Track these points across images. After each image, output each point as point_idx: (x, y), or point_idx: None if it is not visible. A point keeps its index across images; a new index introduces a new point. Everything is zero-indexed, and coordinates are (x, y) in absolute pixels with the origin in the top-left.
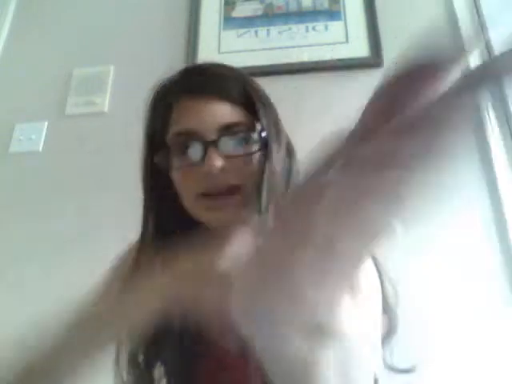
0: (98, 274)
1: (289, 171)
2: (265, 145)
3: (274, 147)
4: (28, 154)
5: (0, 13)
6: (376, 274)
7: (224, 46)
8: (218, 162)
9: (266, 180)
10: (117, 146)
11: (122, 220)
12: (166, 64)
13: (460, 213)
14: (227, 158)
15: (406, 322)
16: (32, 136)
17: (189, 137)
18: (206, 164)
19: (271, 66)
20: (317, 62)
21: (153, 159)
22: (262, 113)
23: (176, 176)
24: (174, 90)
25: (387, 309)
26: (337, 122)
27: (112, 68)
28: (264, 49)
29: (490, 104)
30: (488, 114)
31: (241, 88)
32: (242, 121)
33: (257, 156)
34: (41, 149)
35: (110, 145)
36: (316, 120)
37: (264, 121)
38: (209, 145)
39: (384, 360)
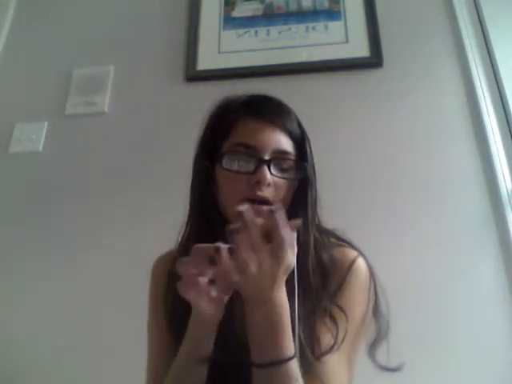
0: (97, 272)
1: (315, 207)
2: (304, 175)
3: (314, 179)
4: (28, 154)
5: (0, 13)
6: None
7: (224, 46)
8: (269, 178)
9: (309, 204)
10: (117, 146)
11: (122, 219)
12: (166, 64)
13: (456, 211)
14: (272, 176)
15: (395, 322)
16: (32, 136)
17: (247, 150)
18: (257, 176)
19: (271, 66)
20: (317, 62)
21: (206, 160)
22: (308, 151)
23: (225, 177)
24: (240, 110)
25: (379, 317)
26: (336, 122)
27: (112, 68)
28: (264, 49)
29: (489, 103)
30: (488, 114)
31: (296, 125)
32: (291, 151)
33: (292, 182)
34: (41, 149)
35: (109, 145)
36: (316, 120)
37: (309, 156)
38: (263, 162)
39: (374, 360)
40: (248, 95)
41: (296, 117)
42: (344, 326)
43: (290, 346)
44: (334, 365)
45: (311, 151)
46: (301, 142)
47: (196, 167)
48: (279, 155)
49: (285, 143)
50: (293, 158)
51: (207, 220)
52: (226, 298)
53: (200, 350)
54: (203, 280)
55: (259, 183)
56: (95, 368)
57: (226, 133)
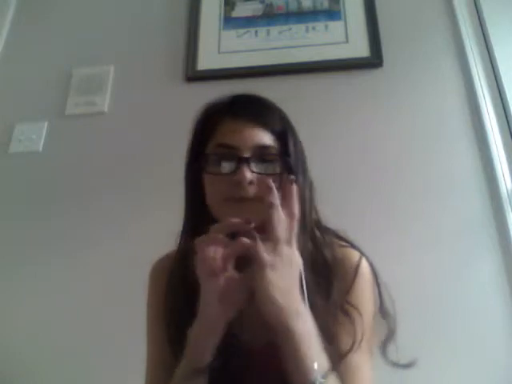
0: (97, 273)
1: (310, 200)
2: (288, 170)
3: (304, 173)
4: (28, 154)
5: (0, 13)
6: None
7: (224, 46)
8: (249, 176)
9: (298, 199)
10: (117, 146)
11: (122, 219)
12: (166, 64)
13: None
14: (255, 173)
15: (405, 318)
16: (32, 136)
17: (227, 150)
18: (237, 176)
19: (271, 66)
20: (317, 62)
21: (194, 163)
22: (291, 142)
23: (208, 179)
24: (221, 112)
25: (385, 315)
26: (336, 122)
27: (112, 68)
28: (264, 49)
29: (489, 103)
30: (487, 113)
31: (276, 119)
32: (272, 145)
33: (278, 177)
34: (41, 149)
35: (109, 145)
36: (316, 120)
37: (292, 148)
38: (242, 160)
39: (386, 357)
40: (230, 96)
41: (280, 112)
42: (360, 323)
43: (323, 367)
44: (358, 363)
45: (296, 145)
46: (283, 136)
47: (186, 172)
48: (259, 151)
49: (265, 138)
50: (275, 151)
51: (202, 224)
52: (242, 299)
53: (201, 358)
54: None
55: (240, 183)
56: (95, 368)
57: (209, 136)
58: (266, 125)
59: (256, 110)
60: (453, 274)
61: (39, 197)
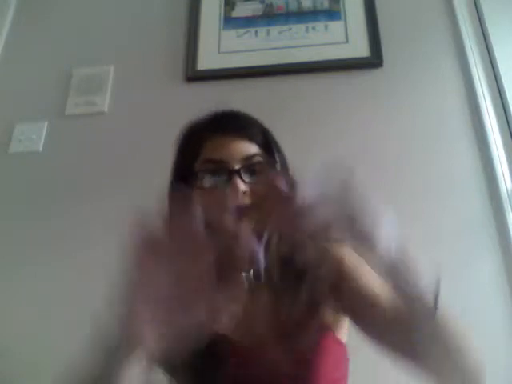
0: (97, 273)
1: None
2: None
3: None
4: (28, 154)
5: (0, 13)
6: None
7: (224, 46)
8: (242, 187)
9: None
10: (116, 146)
11: (122, 219)
12: (166, 64)
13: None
14: (246, 183)
15: None
16: (32, 136)
17: (217, 165)
18: (231, 188)
19: (271, 66)
20: (317, 62)
21: (182, 181)
22: (276, 152)
23: (199, 194)
24: (206, 129)
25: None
26: (336, 122)
27: (112, 68)
28: (264, 49)
29: (489, 103)
30: (487, 113)
31: (260, 132)
32: (259, 153)
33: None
34: (41, 149)
35: (109, 145)
36: (316, 120)
37: (277, 157)
38: (234, 172)
39: None
40: (211, 114)
41: (261, 125)
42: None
43: None
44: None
45: (281, 154)
46: (268, 147)
47: (172, 191)
48: (248, 161)
49: (252, 149)
50: (262, 160)
51: None
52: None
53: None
54: None
55: (234, 194)
56: None
57: (196, 153)
58: (251, 137)
59: (240, 124)
60: (453, 273)
61: (39, 197)
